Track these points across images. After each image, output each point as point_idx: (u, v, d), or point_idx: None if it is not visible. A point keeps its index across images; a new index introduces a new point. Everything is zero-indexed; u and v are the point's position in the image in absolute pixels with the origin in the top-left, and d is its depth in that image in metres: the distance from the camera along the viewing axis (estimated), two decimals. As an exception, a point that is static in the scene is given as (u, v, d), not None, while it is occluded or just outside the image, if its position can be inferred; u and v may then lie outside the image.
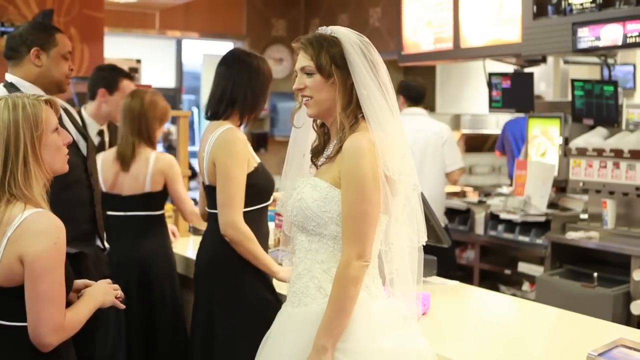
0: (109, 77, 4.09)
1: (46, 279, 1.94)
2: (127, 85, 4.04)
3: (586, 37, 4.60)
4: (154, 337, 3.72)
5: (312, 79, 2.12)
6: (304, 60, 2.14)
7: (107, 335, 3.70)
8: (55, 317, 1.96)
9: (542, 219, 4.93)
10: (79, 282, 2.24)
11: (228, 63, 3.09)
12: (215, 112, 3.05)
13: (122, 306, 2.26)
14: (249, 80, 3.03)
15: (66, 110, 3.17)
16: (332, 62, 2.11)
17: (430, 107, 7.90)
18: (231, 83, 3.02)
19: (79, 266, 3.00)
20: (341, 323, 2.02)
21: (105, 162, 3.76)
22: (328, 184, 2.10)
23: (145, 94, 3.74)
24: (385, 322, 2.09)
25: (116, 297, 2.23)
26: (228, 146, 2.91)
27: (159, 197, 3.77)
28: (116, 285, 2.25)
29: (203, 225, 3.56)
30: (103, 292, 2.18)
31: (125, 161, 3.69)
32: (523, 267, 5.05)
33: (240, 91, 3.01)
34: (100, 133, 4.17)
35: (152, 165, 3.67)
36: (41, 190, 2.05)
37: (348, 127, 2.10)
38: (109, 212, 3.71)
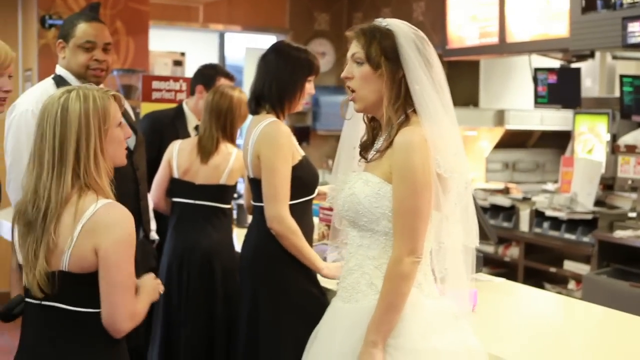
0: (208, 74, 4.15)
1: (122, 268, 2.00)
2: (223, 84, 4.08)
3: (636, 31, 4.51)
4: (212, 325, 3.72)
5: (361, 68, 2.11)
6: (354, 48, 2.13)
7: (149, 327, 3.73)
8: (129, 305, 2.02)
9: (589, 216, 4.86)
10: None
11: (263, 56, 3.10)
12: (254, 106, 3.06)
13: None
14: (275, 72, 3.01)
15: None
16: (383, 53, 2.09)
17: (474, 103, 7.81)
18: (260, 77, 3.04)
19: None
20: (391, 319, 2.01)
21: (182, 150, 3.81)
22: (379, 179, 2.08)
23: (234, 91, 3.78)
24: (438, 320, 2.07)
25: None
26: (272, 139, 2.91)
27: (231, 191, 3.82)
28: (159, 280, 2.28)
29: None
30: (154, 288, 2.22)
31: (205, 154, 3.73)
32: (569, 265, 4.99)
33: (265, 84, 3.02)
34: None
35: (233, 161, 3.71)
36: (108, 182, 2.09)
37: (396, 122, 2.08)
38: (179, 199, 3.75)
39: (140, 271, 3.09)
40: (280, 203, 2.86)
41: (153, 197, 3.84)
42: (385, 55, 2.09)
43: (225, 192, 3.76)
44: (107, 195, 2.05)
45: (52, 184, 2.01)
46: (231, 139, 3.79)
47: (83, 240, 1.98)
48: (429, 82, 2.10)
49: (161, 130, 4.10)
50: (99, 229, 1.98)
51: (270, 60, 3.05)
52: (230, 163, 3.73)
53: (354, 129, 2.27)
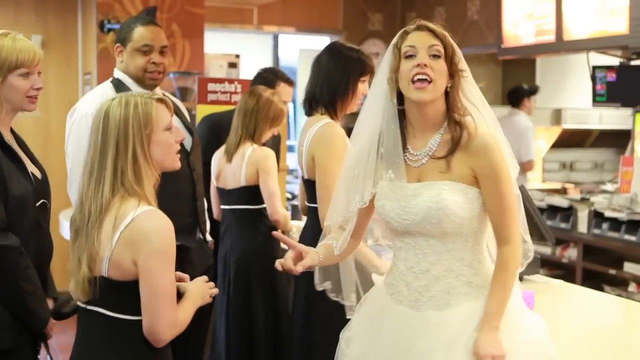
0: (268, 78, 4.17)
1: (161, 277, 1.97)
2: (283, 88, 4.10)
3: (700, 27, 4.39)
4: (252, 328, 3.76)
5: (438, 62, 2.07)
6: (432, 39, 2.08)
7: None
8: (170, 315, 1.99)
9: (650, 217, 4.75)
10: (177, 274, 2.25)
11: (316, 58, 3.10)
12: (306, 108, 3.07)
13: (209, 301, 2.26)
14: (327, 73, 3.02)
15: (173, 104, 3.24)
16: (454, 52, 2.10)
17: (530, 102, 7.72)
18: (313, 78, 3.05)
19: (181, 258, 3.06)
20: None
21: (215, 157, 3.86)
22: (464, 185, 2.08)
23: (265, 92, 3.80)
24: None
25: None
26: (326, 141, 2.91)
27: (256, 191, 3.81)
28: (212, 283, 2.26)
29: (285, 227, 3.60)
30: (202, 293, 2.19)
31: (229, 153, 3.77)
32: (629, 267, 4.88)
33: (317, 85, 3.02)
34: None
35: (247, 158, 3.72)
36: (151, 187, 2.07)
37: (461, 120, 2.09)
38: (222, 206, 3.83)
39: (198, 270, 3.16)
40: None
41: (214, 210, 3.93)
42: (455, 53, 2.10)
43: (250, 193, 3.76)
44: (149, 201, 2.03)
45: (93, 191, 2.02)
46: (253, 139, 3.77)
47: (121, 248, 1.97)
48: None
49: (219, 132, 4.14)
50: (137, 238, 1.96)
51: (323, 61, 3.05)
52: (245, 162, 3.73)
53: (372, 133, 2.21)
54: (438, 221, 2.06)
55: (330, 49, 3.10)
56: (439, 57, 2.07)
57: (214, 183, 3.90)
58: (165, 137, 2.09)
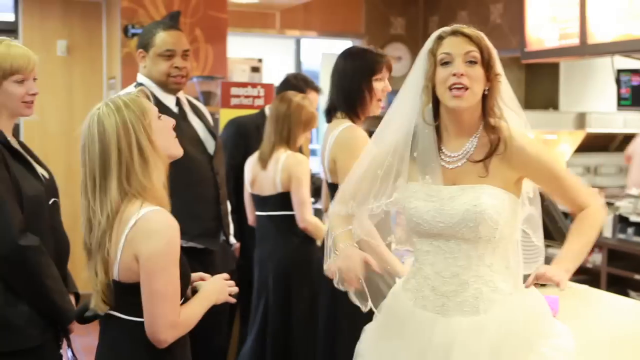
0: (298, 85, 4.15)
1: (160, 277, 1.96)
2: (313, 96, 4.10)
3: None
4: (289, 335, 3.73)
5: (474, 68, 2.05)
6: (468, 45, 2.06)
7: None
8: (169, 315, 1.98)
9: (676, 222, 4.70)
10: (194, 276, 2.25)
11: (337, 61, 3.10)
12: (327, 112, 3.07)
13: (233, 300, 2.24)
14: (339, 79, 3.02)
15: (195, 108, 3.25)
16: (490, 56, 2.08)
17: (554, 106, 7.65)
18: (331, 86, 3.07)
19: (205, 261, 3.08)
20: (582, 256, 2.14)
21: (249, 163, 3.86)
22: (501, 190, 2.08)
23: (295, 97, 3.80)
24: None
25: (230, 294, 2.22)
26: (347, 144, 2.92)
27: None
28: (232, 282, 2.24)
29: (316, 234, 3.57)
30: (217, 291, 2.17)
31: (263, 160, 3.76)
32: (655, 272, 4.83)
33: (333, 93, 3.02)
34: None
35: (282, 164, 3.71)
36: (162, 180, 2.05)
37: (496, 124, 2.09)
38: (256, 212, 3.84)
39: (219, 274, 3.17)
40: None
41: (248, 216, 3.93)
42: (491, 56, 2.08)
43: (286, 199, 3.74)
44: (156, 197, 2.01)
45: (100, 204, 2.00)
46: (288, 144, 3.76)
47: (127, 250, 1.98)
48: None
49: (246, 134, 4.16)
50: (139, 237, 1.96)
51: (338, 68, 3.07)
52: (279, 167, 3.71)
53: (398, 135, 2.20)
54: (475, 225, 2.04)
55: (343, 55, 3.11)
56: (475, 63, 2.05)
57: (247, 189, 3.89)
58: (161, 123, 2.07)
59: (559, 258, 2.09)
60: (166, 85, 3.08)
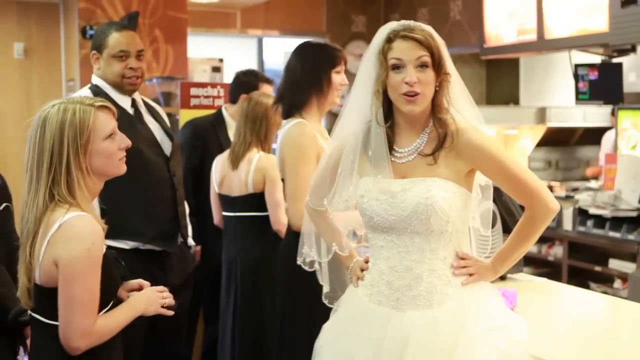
0: (250, 82, 4.11)
1: (77, 284, 1.94)
2: (267, 90, 4.08)
3: (679, 24, 4.40)
4: (259, 334, 3.70)
5: (425, 72, 2.07)
6: (418, 50, 2.07)
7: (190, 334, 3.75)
8: (82, 322, 1.95)
9: (634, 214, 4.76)
10: (132, 283, 2.23)
11: (292, 57, 3.09)
12: (282, 110, 3.06)
13: (170, 313, 2.20)
14: (295, 74, 3.02)
15: (152, 109, 3.22)
16: (440, 57, 2.09)
17: (514, 101, 7.72)
18: (284, 79, 3.05)
19: (162, 263, 3.06)
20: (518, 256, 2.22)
21: (217, 163, 3.82)
22: (452, 182, 2.10)
23: (267, 98, 3.77)
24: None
25: (164, 306, 2.18)
26: (294, 141, 2.92)
27: (264, 197, 3.76)
28: (166, 293, 2.20)
29: None
30: (146, 302, 2.14)
31: (235, 160, 3.71)
32: (614, 263, 4.89)
33: (287, 89, 3.02)
34: None
35: (255, 164, 3.68)
36: (87, 196, 2.03)
37: (447, 120, 2.12)
38: (223, 213, 3.78)
39: (178, 275, 3.14)
40: (301, 203, 2.78)
41: (214, 216, 3.89)
42: (441, 57, 2.10)
43: (257, 200, 3.72)
44: (82, 210, 1.99)
45: (32, 201, 1.99)
46: (263, 145, 3.75)
47: (48, 254, 1.96)
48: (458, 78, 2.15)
49: (203, 135, 4.12)
50: (60, 241, 1.94)
51: (292, 64, 3.05)
52: (252, 168, 3.69)
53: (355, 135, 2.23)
54: (426, 217, 2.06)
55: (297, 51, 3.10)
56: (426, 67, 2.07)
57: (215, 190, 3.85)
58: (106, 146, 2.05)
59: (496, 257, 2.21)
60: (121, 86, 3.04)
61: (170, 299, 2.19)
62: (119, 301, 2.11)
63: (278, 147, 2.99)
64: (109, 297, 2.05)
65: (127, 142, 2.13)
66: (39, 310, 2.02)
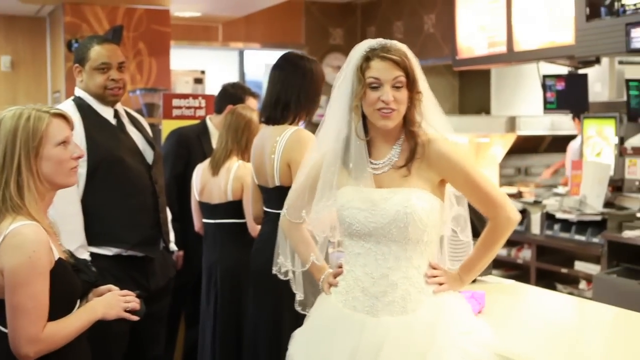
0: (236, 94, 4.12)
1: (20, 292, 1.91)
2: (252, 103, 4.09)
3: (639, 37, 4.46)
4: (239, 340, 3.69)
5: (400, 92, 2.12)
6: (395, 70, 2.12)
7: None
8: (28, 329, 1.93)
9: (599, 218, 4.81)
10: (102, 288, 2.20)
11: (281, 67, 3.09)
12: (273, 116, 3.05)
13: (134, 318, 2.17)
14: (302, 82, 3.02)
15: (134, 120, 3.22)
16: (414, 77, 2.14)
17: (486, 110, 7.78)
18: (285, 86, 3.02)
19: (144, 269, 3.06)
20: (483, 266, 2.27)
21: (198, 170, 3.82)
22: (428, 192, 2.14)
23: (253, 112, 3.79)
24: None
25: (127, 310, 2.14)
26: (302, 145, 2.88)
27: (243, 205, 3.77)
28: (131, 297, 2.16)
29: None
30: (104, 306, 2.10)
31: (215, 167, 3.72)
32: (580, 265, 4.94)
33: (293, 94, 3.01)
34: None
35: (234, 172, 3.68)
36: (36, 202, 2.00)
37: (419, 132, 2.17)
38: (204, 220, 3.78)
39: (160, 281, 3.14)
40: None
41: (195, 223, 3.88)
42: (415, 76, 2.15)
43: (236, 207, 3.72)
44: (31, 216, 1.97)
45: None
46: (243, 154, 3.75)
47: None
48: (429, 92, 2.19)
49: (187, 144, 4.12)
50: (4, 251, 1.92)
51: (293, 72, 3.04)
52: (231, 176, 3.69)
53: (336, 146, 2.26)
54: (405, 225, 2.09)
55: (288, 59, 3.11)
56: (401, 86, 2.13)
57: (195, 197, 3.85)
58: (57, 152, 2.03)
59: (462, 267, 2.25)
60: (103, 97, 3.05)
61: (134, 303, 2.15)
62: None
63: (278, 153, 2.97)
64: (68, 305, 2.02)
65: (80, 153, 2.11)
66: None
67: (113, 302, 2.12)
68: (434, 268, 2.19)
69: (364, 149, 2.18)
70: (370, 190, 2.15)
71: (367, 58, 2.14)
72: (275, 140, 2.98)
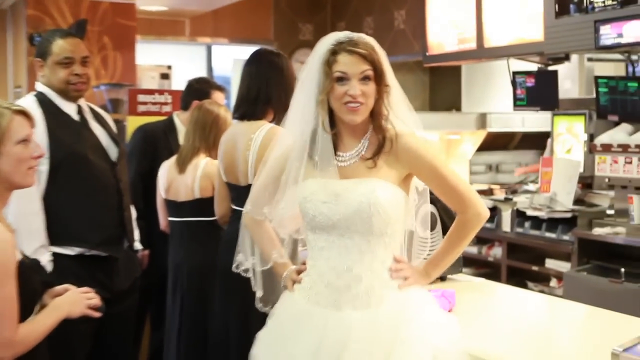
0: (202, 89, 4.09)
1: None
2: (218, 97, 4.05)
3: (608, 34, 4.51)
4: (206, 342, 3.67)
5: (368, 85, 2.12)
6: (362, 64, 2.12)
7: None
8: (3, 334, 1.90)
9: (569, 215, 4.85)
10: (59, 288, 2.18)
11: (258, 62, 3.07)
12: (251, 112, 3.02)
13: (96, 314, 2.16)
14: (282, 79, 3.02)
15: (98, 116, 3.18)
16: (382, 70, 2.14)
17: (456, 107, 7.83)
18: (264, 83, 3.01)
19: (108, 269, 3.02)
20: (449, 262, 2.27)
21: (164, 168, 3.78)
22: (392, 184, 2.13)
23: (220, 109, 3.75)
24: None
25: (91, 307, 2.14)
26: None
27: (211, 202, 3.72)
28: (91, 294, 2.16)
29: None
30: (69, 303, 2.09)
31: (182, 164, 3.68)
32: (550, 263, 4.98)
33: (275, 91, 3.00)
34: None
35: (202, 170, 3.65)
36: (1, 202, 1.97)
37: (387, 127, 2.17)
38: (170, 218, 3.75)
39: (125, 281, 3.11)
40: None
41: (161, 221, 3.85)
42: (383, 70, 2.15)
43: (204, 205, 3.69)
44: None
45: None
46: (210, 151, 3.72)
47: None
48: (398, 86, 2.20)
49: (154, 141, 4.09)
50: None
51: (273, 69, 3.03)
52: (198, 173, 3.66)
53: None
54: (368, 216, 2.09)
55: (264, 55, 3.13)
56: (369, 79, 2.12)
57: (162, 195, 3.81)
58: (17, 150, 2.01)
59: (428, 262, 2.26)
60: (66, 93, 3.00)
61: (96, 300, 2.14)
62: (42, 308, 2.06)
63: (253, 151, 2.94)
64: (31, 306, 2.00)
65: (41, 152, 2.09)
66: None
67: (76, 299, 2.11)
68: (399, 262, 2.18)
69: (330, 141, 2.18)
70: (334, 181, 2.15)
71: (334, 52, 2.13)
72: (250, 138, 2.96)
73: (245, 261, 2.49)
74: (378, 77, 2.14)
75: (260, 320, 2.59)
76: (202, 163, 3.66)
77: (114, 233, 3.05)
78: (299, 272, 2.26)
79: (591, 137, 5.00)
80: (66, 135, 2.96)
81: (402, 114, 2.21)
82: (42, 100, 2.98)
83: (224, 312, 3.05)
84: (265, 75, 3.01)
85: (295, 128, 2.25)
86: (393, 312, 2.11)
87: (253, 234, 2.44)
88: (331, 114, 2.18)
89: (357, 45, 2.12)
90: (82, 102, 3.10)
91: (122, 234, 3.09)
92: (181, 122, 4.15)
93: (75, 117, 3.05)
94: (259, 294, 2.51)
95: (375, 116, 2.17)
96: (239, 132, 3.06)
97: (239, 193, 3.06)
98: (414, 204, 2.26)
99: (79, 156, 2.96)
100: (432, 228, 3.09)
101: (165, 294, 3.81)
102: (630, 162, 4.47)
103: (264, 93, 3.01)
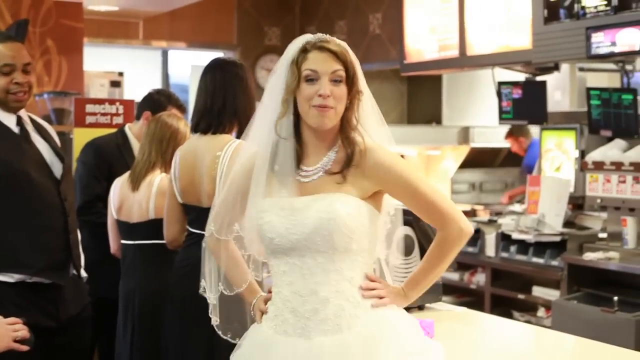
0: (159, 101, 4.07)
1: None
2: (174, 113, 4.05)
3: (601, 42, 4.60)
4: None
5: (339, 87, 2.13)
6: (334, 63, 2.13)
7: None
8: None
9: (558, 238, 4.91)
10: None
11: (223, 70, 3.08)
12: (217, 124, 3.04)
13: (24, 348, 2.14)
14: (247, 91, 3.04)
15: (40, 128, 3.16)
16: (355, 74, 2.16)
17: (436, 120, 7.90)
18: (231, 93, 3.03)
19: (53, 297, 3.00)
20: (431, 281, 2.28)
21: (115, 187, 3.76)
22: (355, 198, 2.14)
23: (180, 122, 3.76)
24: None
25: (16, 340, 2.12)
26: None
27: None
28: (19, 326, 2.15)
29: None
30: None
31: (135, 181, 3.66)
32: (538, 291, 5.03)
33: (241, 102, 3.02)
34: None
35: (156, 187, 3.64)
36: None
37: (354, 137, 2.17)
38: (122, 241, 3.73)
39: (72, 309, 3.09)
40: None
41: (111, 244, 3.83)
42: (355, 74, 2.16)
43: (159, 226, 3.68)
44: None
45: None
46: (167, 168, 3.72)
47: None
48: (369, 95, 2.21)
49: (109, 158, 4.07)
50: None
51: (238, 79, 3.05)
52: (153, 191, 3.64)
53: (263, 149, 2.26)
54: (329, 233, 2.09)
55: (226, 65, 3.13)
56: (340, 81, 2.13)
57: (113, 216, 3.79)
58: None
59: (407, 282, 2.27)
60: (5, 103, 2.98)
61: (24, 331, 2.13)
62: None
63: (223, 168, 2.95)
64: None
65: None
66: None
67: (1, 332, 2.10)
68: (372, 280, 2.19)
69: (291, 150, 2.17)
70: (291, 199, 2.16)
71: (304, 50, 2.15)
72: (216, 155, 2.97)
73: (209, 288, 2.48)
74: (350, 81, 2.14)
75: (225, 350, 2.61)
76: (157, 180, 3.65)
77: (59, 258, 3.03)
78: (266, 301, 2.27)
79: (582, 154, 5.08)
80: (4, 149, 2.94)
81: (371, 126, 2.22)
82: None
83: (182, 343, 3.05)
84: (232, 85, 3.03)
85: (260, 137, 2.24)
86: (367, 335, 2.10)
87: (217, 257, 2.41)
88: (297, 122, 2.18)
89: (329, 43, 2.14)
90: (23, 113, 3.08)
91: (67, 258, 3.07)
92: (134, 134, 4.15)
93: (15, 129, 3.02)
94: (214, 321, 2.50)
95: (345, 125, 2.17)
96: (200, 147, 3.07)
97: (199, 215, 3.06)
98: (384, 227, 2.26)
99: (18, 173, 2.93)
100: (409, 253, 3.13)
101: (115, 326, 3.79)
102: (624, 181, 4.55)
103: (231, 104, 3.03)
